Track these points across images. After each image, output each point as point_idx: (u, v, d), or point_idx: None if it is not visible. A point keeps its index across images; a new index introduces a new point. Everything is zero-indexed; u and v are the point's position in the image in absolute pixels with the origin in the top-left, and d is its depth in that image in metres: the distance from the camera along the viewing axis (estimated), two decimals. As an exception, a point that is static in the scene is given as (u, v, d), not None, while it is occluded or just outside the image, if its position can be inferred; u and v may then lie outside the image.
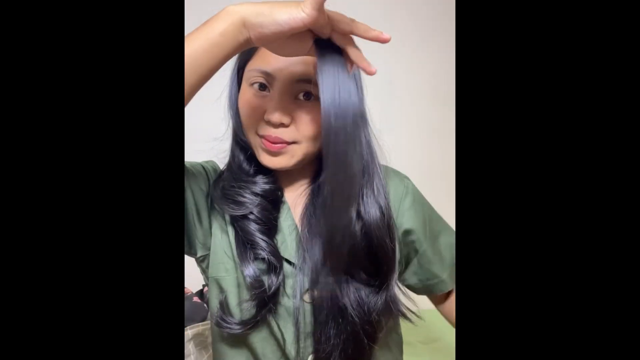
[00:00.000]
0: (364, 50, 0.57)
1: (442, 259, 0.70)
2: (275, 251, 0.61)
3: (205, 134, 0.70)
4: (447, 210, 0.77)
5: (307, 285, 0.60)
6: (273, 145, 0.59)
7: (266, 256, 0.60)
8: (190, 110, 0.76)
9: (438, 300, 0.74)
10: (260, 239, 0.60)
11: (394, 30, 1.06)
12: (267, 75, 0.58)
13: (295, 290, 0.61)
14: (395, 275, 0.61)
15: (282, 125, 0.58)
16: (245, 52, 0.62)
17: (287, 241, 0.63)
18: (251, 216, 0.61)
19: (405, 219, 0.67)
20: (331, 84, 0.50)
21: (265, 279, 0.60)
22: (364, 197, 0.59)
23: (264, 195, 0.63)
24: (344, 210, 0.55)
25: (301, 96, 0.58)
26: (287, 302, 0.61)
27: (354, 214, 0.57)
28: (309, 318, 0.61)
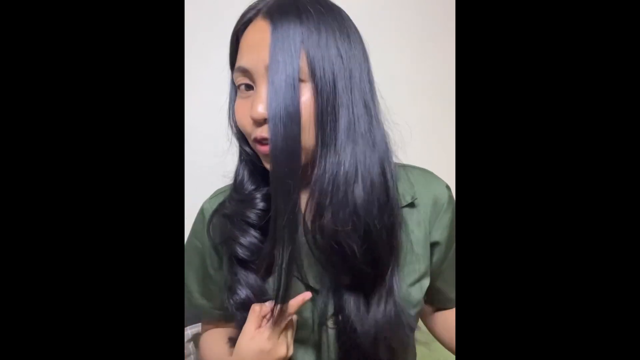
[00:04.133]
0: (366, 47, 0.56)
1: (454, 280, 0.67)
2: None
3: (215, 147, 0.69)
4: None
5: (330, 310, 0.57)
6: (266, 147, 0.52)
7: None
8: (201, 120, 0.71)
9: (430, 312, 0.73)
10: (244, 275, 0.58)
11: (395, 29, 1.05)
12: (245, 72, 0.53)
13: (315, 317, 0.57)
14: (396, 275, 0.57)
15: (265, 121, 0.51)
16: (232, 56, 0.59)
17: (305, 263, 0.57)
18: (239, 253, 0.58)
19: (439, 233, 0.63)
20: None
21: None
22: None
23: (256, 224, 0.58)
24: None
25: None
26: (304, 333, 0.58)
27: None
28: (332, 346, 0.58)
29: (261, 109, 0.51)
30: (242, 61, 0.54)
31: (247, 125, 0.55)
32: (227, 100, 0.62)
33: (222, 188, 0.70)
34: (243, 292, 0.57)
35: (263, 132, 0.52)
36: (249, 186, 0.62)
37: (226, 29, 0.59)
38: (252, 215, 0.58)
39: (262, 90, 0.52)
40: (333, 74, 0.52)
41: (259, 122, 0.53)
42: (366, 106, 0.54)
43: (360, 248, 0.53)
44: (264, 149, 0.53)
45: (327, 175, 0.52)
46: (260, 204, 0.59)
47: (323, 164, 0.52)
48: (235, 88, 0.60)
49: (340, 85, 0.52)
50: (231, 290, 0.58)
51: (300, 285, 0.58)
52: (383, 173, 0.55)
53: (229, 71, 0.61)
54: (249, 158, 0.61)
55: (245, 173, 0.62)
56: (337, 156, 0.52)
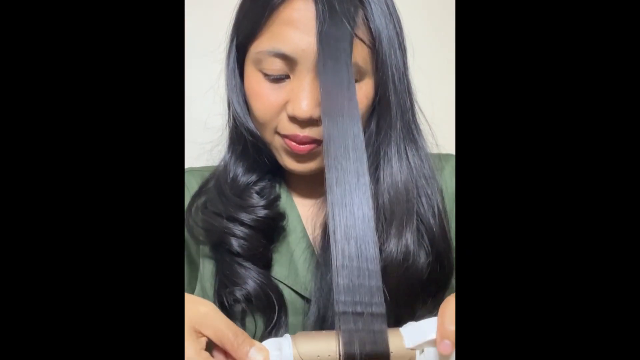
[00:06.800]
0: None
1: None
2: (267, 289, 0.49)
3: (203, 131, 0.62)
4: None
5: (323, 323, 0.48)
6: (301, 146, 0.47)
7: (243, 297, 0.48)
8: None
9: None
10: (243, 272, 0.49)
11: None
12: (286, 58, 0.45)
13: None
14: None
15: (311, 121, 0.45)
16: (247, 27, 0.49)
17: (299, 268, 0.51)
18: (234, 248, 0.49)
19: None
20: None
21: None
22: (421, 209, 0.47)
23: (255, 227, 0.50)
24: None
25: None
26: None
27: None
28: None
29: (305, 107, 0.44)
30: (285, 46, 0.45)
31: (274, 115, 0.48)
32: (225, 73, 0.53)
33: (197, 168, 0.60)
34: (247, 286, 0.49)
35: (305, 132, 0.46)
36: (246, 178, 0.54)
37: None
38: (252, 223, 0.51)
39: (305, 82, 0.45)
40: (394, 58, 0.45)
41: (300, 122, 0.46)
42: (409, 93, 0.48)
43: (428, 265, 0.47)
44: (297, 147, 0.47)
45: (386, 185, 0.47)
46: (262, 212, 0.51)
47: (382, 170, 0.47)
48: (239, 57, 0.51)
49: (396, 75, 0.46)
50: (231, 283, 0.50)
51: (294, 295, 0.52)
52: (432, 173, 0.50)
53: (226, 45, 0.53)
54: (256, 144, 0.52)
55: (241, 166, 0.54)
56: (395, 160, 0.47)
